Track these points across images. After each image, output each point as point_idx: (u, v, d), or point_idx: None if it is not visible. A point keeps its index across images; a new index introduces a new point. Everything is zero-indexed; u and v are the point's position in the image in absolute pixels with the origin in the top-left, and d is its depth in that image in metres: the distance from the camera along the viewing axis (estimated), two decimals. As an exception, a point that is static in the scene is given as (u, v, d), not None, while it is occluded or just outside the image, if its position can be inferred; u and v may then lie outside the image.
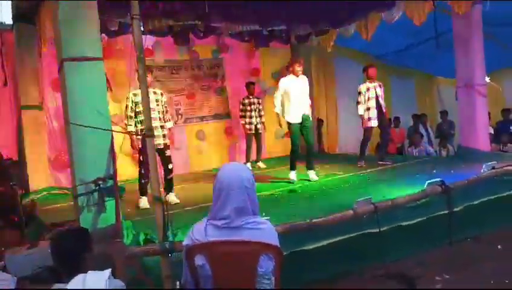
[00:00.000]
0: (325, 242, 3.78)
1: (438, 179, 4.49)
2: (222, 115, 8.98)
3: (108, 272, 1.91)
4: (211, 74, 8.88)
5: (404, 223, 4.18)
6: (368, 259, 3.95)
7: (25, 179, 6.65)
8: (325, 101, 10.11)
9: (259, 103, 8.14)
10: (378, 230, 3.93)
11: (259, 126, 8.08)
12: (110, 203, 3.75)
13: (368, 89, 6.96)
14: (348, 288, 3.67)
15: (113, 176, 3.80)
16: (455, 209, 4.43)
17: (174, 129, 7.42)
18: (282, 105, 6.16)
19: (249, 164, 7.70)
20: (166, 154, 5.47)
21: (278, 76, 9.34)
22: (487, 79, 7.19)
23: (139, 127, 5.31)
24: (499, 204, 4.77)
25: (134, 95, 5.33)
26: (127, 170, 7.09)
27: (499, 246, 4.27)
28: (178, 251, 2.99)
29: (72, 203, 4.13)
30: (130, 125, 5.37)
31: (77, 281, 1.83)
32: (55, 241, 2.15)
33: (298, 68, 6.09)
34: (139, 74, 3.18)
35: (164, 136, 5.46)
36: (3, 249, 3.85)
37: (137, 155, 5.54)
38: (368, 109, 6.94)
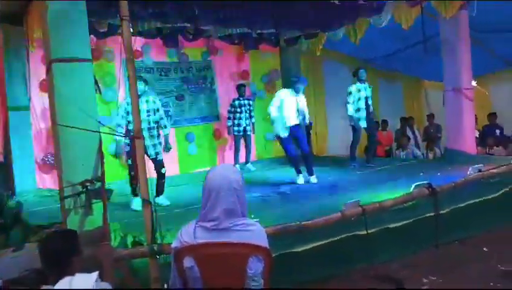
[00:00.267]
0: (313, 244, 3.80)
1: (424, 182, 4.53)
2: (211, 117, 8.96)
3: (95, 274, 1.90)
4: (200, 76, 8.87)
5: (391, 226, 4.22)
6: (356, 261, 3.97)
7: (12, 181, 6.58)
8: (314, 104, 10.14)
9: (249, 105, 8.16)
10: (366, 232, 3.95)
11: (248, 128, 8.09)
12: (97, 206, 3.72)
13: (358, 90, 7.03)
14: (337, 289, 3.68)
15: (101, 178, 3.78)
16: (442, 212, 4.47)
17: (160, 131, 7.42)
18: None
19: (237, 166, 7.70)
20: (158, 159, 5.46)
21: (267, 79, 9.41)
22: (474, 83, 7.29)
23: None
24: (485, 207, 4.82)
25: (128, 104, 5.23)
26: (118, 171, 7.02)
27: (485, 249, 4.32)
28: (166, 253, 2.98)
29: (59, 205, 4.10)
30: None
31: (64, 283, 1.82)
32: (44, 243, 2.13)
33: None
34: (139, 80, 3.17)
35: (154, 145, 5.45)
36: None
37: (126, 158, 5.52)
38: (358, 109, 7.00)
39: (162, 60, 8.37)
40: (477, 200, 4.81)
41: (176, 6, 6.16)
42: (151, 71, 8.22)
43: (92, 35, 5.98)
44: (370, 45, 8.25)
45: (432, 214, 4.42)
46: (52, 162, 6.65)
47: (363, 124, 7.03)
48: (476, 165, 5.09)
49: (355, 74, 7.18)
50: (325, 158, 9.15)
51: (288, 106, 6.15)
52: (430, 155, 9.58)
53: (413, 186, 4.46)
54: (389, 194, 4.62)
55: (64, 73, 3.81)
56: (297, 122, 6.17)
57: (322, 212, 4.10)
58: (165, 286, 2.36)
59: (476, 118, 9.00)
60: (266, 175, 6.90)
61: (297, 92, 6.25)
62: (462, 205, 4.70)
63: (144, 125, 5.12)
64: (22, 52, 6.59)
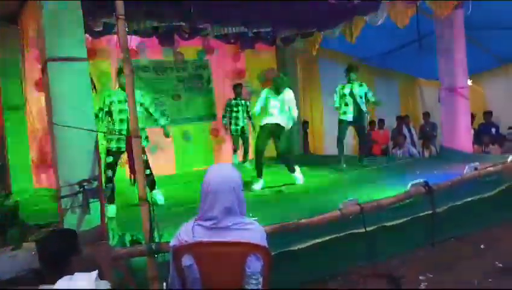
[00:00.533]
0: (311, 242, 3.80)
1: (421, 180, 4.54)
2: (208, 116, 8.96)
3: (95, 273, 1.90)
4: (196, 75, 8.86)
5: (388, 224, 4.23)
6: (354, 259, 3.99)
7: (8, 181, 6.56)
8: (310, 102, 10.16)
9: (247, 105, 8.16)
10: (364, 230, 3.97)
11: (245, 128, 8.10)
12: (94, 205, 3.72)
13: (342, 87, 7.07)
14: (336, 289, 3.69)
15: (98, 177, 3.77)
16: (438, 210, 4.49)
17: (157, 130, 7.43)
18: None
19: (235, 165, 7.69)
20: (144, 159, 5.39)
21: (263, 78, 9.40)
22: (469, 82, 7.32)
23: (114, 127, 5.16)
24: (481, 205, 4.85)
25: (109, 95, 5.19)
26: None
27: (482, 246, 4.35)
28: (164, 251, 2.98)
29: (56, 204, 4.08)
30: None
31: (64, 282, 1.82)
32: (43, 243, 2.12)
33: None
34: (124, 74, 3.15)
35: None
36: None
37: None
38: (346, 104, 7.01)
39: (158, 59, 8.35)
40: (473, 198, 4.84)
41: (172, 5, 6.15)
42: (147, 70, 8.20)
43: (86, 34, 5.96)
44: (366, 44, 8.27)
45: (429, 212, 4.43)
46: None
47: (349, 117, 7.01)
48: (472, 164, 5.11)
49: (347, 71, 7.16)
50: (322, 157, 9.17)
51: (271, 106, 6.08)
52: (426, 153, 9.61)
53: (410, 184, 4.47)
54: (386, 193, 4.64)
55: (60, 72, 3.80)
56: (278, 121, 6.09)
57: (319, 210, 4.11)
58: (164, 284, 2.35)
59: (474, 116, 9.07)
60: (264, 173, 6.89)
61: (279, 92, 6.13)
62: (459, 203, 4.72)
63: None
64: (17, 51, 6.56)
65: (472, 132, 8.32)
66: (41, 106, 6.45)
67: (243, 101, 8.16)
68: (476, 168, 5.02)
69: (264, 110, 6.17)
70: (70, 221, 3.69)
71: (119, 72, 5.13)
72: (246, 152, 8.29)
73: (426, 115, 10.46)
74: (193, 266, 2.10)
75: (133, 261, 3.30)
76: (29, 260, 2.64)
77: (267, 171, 6.33)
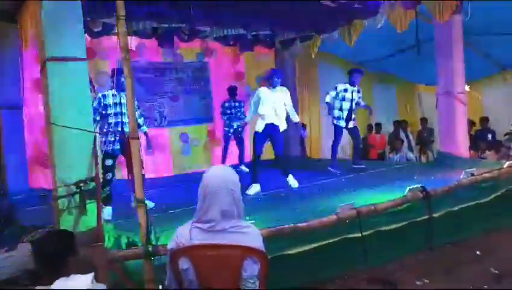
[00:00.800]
0: (308, 247, 3.79)
1: (418, 185, 4.55)
2: (206, 118, 8.96)
3: (91, 275, 1.89)
4: (195, 77, 8.85)
5: (385, 228, 4.23)
6: (350, 263, 3.98)
7: (4, 181, 6.52)
8: (309, 106, 10.16)
9: (240, 107, 8.19)
10: (360, 235, 3.96)
11: (240, 129, 8.11)
12: (91, 206, 3.70)
13: (345, 90, 7.00)
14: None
15: (95, 178, 3.75)
16: (435, 215, 4.49)
17: (155, 132, 7.41)
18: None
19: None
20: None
21: (262, 80, 9.40)
22: (467, 87, 7.33)
23: (110, 129, 5.14)
24: (477, 210, 4.85)
25: (104, 97, 5.17)
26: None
27: (478, 252, 4.35)
28: (161, 254, 2.97)
29: (52, 205, 4.06)
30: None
31: (60, 284, 1.81)
32: (39, 244, 2.11)
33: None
34: (124, 75, 3.14)
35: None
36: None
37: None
38: (341, 109, 7.00)
39: (156, 60, 8.35)
40: (470, 203, 4.84)
41: (172, 6, 6.14)
42: (146, 71, 8.20)
43: (86, 34, 5.94)
44: (364, 48, 8.29)
45: (426, 217, 4.44)
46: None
47: (343, 123, 7.03)
48: (469, 169, 5.13)
49: (349, 73, 7.14)
50: (320, 161, 9.17)
51: (266, 103, 6.07)
52: (423, 158, 9.63)
53: (407, 189, 4.47)
54: (383, 197, 4.63)
55: (58, 72, 3.77)
56: (274, 121, 6.08)
57: (316, 214, 4.11)
58: (160, 287, 2.35)
59: (474, 123, 9.09)
60: (260, 176, 6.88)
61: (273, 86, 6.13)
62: (456, 208, 4.73)
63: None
64: (15, 50, 6.54)
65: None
66: (39, 106, 6.43)
67: (237, 103, 8.23)
68: (472, 174, 5.03)
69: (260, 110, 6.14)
70: (66, 222, 3.68)
71: (117, 73, 5.13)
72: (241, 154, 8.32)
73: (424, 120, 10.48)
74: (190, 269, 2.09)
75: (129, 263, 3.29)
76: (24, 261, 2.62)
77: (263, 174, 6.31)
